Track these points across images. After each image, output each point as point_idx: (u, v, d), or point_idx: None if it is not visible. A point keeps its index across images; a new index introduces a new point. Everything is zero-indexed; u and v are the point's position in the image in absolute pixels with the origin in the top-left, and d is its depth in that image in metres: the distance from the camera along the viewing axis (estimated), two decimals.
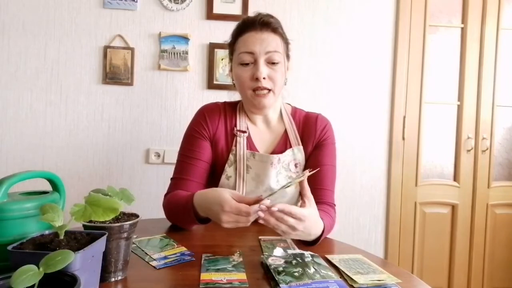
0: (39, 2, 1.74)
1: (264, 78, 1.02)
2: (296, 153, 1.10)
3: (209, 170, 1.10)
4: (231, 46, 1.11)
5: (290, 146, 1.11)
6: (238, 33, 1.08)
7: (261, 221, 0.76)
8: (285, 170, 1.09)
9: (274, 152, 1.10)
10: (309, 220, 0.79)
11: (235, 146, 1.09)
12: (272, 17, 1.07)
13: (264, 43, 1.03)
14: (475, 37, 2.00)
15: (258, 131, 1.13)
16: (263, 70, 1.02)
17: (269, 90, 1.04)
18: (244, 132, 1.10)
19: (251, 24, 1.05)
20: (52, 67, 1.76)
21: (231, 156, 1.09)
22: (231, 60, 1.12)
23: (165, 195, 1.07)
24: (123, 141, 1.81)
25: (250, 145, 1.10)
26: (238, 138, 1.09)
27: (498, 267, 2.04)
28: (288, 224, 0.76)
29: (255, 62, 1.03)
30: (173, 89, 1.82)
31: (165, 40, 1.79)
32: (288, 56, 1.11)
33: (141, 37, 1.80)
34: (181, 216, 0.95)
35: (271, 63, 1.04)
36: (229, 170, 1.08)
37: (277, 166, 1.08)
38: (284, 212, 0.75)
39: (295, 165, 1.10)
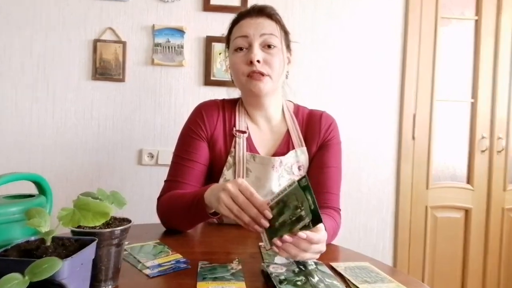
0: None
1: (258, 61, 1.02)
2: (299, 155, 1.10)
3: (206, 173, 1.10)
4: (228, 37, 1.12)
5: (293, 148, 1.11)
6: (233, 23, 1.10)
7: (275, 249, 0.74)
8: (288, 173, 1.09)
9: (275, 154, 1.10)
10: (326, 237, 0.80)
11: (234, 147, 1.09)
12: (268, 5, 1.09)
13: (259, 26, 1.04)
14: (490, 30, 2.00)
15: (258, 131, 1.13)
16: (258, 52, 1.02)
17: (266, 75, 1.04)
18: (243, 132, 1.10)
19: (246, 13, 1.08)
20: (38, 62, 1.76)
21: (229, 158, 1.08)
22: (227, 53, 1.13)
23: (158, 198, 1.08)
24: (114, 141, 1.81)
25: (250, 147, 1.10)
26: (237, 139, 1.09)
27: None
28: (316, 251, 0.77)
29: (250, 46, 1.04)
30: (168, 86, 1.83)
31: (159, 33, 1.80)
32: (288, 47, 1.11)
33: (133, 30, 1.80)
34: (186, 210, 0.93)
35: (267, 47, 1.04)
36: (227, 173, 1.08)
37: (279, 169, 1.08)
38: (310, 241, 0.74)
39: (299, 168, 1.10)
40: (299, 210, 0.72)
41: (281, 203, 0.74)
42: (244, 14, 1.08)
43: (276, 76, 1.05)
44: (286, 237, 0.72)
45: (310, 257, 0.78)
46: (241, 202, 0.76)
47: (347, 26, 1.90)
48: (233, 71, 1.09)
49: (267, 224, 0.75)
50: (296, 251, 0.74)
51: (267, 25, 1.05)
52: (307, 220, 0.72)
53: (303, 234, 0.72)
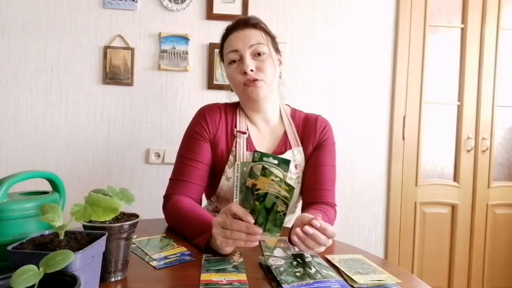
0: (39, 2, 1.74)
1: (252, 70, 1.04)
2: (296, 154, 1.10)
3: (209, 172, 1.10)
4: (221, 52, 1.14)
5: (290, 147, 1.11)
6: (223, 39, 1.12)
7: (295, 239, 0.75)
8: None
9: (273, 153, 1.10)
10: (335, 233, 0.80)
11: (235, 147, 1.09)
12: (252, 16, 1.12)
13: (246, 38, 1.05)
14: (475, 37, 1.99)
15: (258, 132, 1.13)
16: (250, 63, 1.04)
17: (260, 80, 1.05)
18: (244, 133, 1.10)
19: (232, 27, 1.10)
20: (52, 67, 1.76)
21: (231, 157, 1.08)
22: (222, 66, 1.15)
23: (164, 196, 1.07)
24: (123, 141, 1.81)
25: (250, 146, 1.10)
26: (238, 139, 1.09)
27: (498, 267, 2.04)
28: (326, 244, 0.78)
29: (241, 58, 1.05)
30: (173, 89, 1.82)
31: (165, 40, 1.79)
32: (277, 51, 1.13)
33: (141, 37, 1.80)
34: (187, 234, 0.92)
35: (257, 55, 1.05)
36: (229, 171, 1.08)
37: None
38: (319, 229, 0.74)
39: (295, 166, 1.10)
40: (273, 192, 0.71)
41: (261, 199, 0.72)
42: (231, 28, 1.10)
43: (270, 79, 1.07)
44: (308, 229, 0.73)
45: (318, 249, 0.78)
46: (228, 224, 0.75)
47: (342, 33, 1.90)
48: (230, 82, 1.11)
49: (260, 233, 0.73)
50: (313, 244, 0.76)
51: (253, 35, 1.06)
52: (283, 194, 0.70)
53: (317, 223, 0.74)
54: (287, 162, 0.72)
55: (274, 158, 0.71)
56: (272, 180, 0.69)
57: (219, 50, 1.15)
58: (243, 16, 1.11)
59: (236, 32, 1.08)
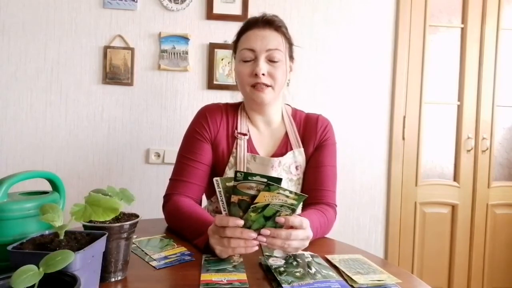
0: (39, 2, 1.74)
1: (263, 74, 1.02)
2: (296, 156, 1.10)
3: (209, 172, 1.10)
4: (235, 44, 1.11)
5: (291, 149, 1.10)
6: (241, 32, 1.08)
7: (264, 244, 0.74)
8: (286, 172, 1.09)
9: (274, 154, 1.10)
10: (307, 222, 0.79)
11: (236, 148, 1.08)
12: (276, 17, 1.08)
13: (265, 40, 1.02)
14: (475, 37, 1.99)
15: (258, 133, 1.13)
16: (263, 66, 1.02)
17: (269, 86, 1.04)
18: (245, 134, 1.10)
19: (254, 23, 1.06)
20: (52, 67, 1.76)
21: (231, 159, 1.08)
22: (234, 58, 1.12)
23: (164, 196, 1.07)
24: (123, 141, 1.81)
25: (251, 148, 1.10)
26: (238, 140, 1.09)
27: (498, 267, 2.04)
28: (302, 238, 0.76)
29: (256, 59, 1.03)
30: (173, 89, 1.82)
31: (165, 40, 1.79)
32: (291, 57, 1.11)
33: (141, 37, 1.80)
34: (186, 235, 0.92)
35: (271, 61, 1.03)
36: (229, 172, 1.08)
37: (277, 169, 1.07)
38: (288, 223, 0.73)
39: (296, 168, 1.10)
40: (277, 203, 0.70)
41: (259, 210, 0.71)
42: (252, 23, 1.06)
43: (278, 87, 1.05)
44: (265, 230, 0.72)
45: (298, 245, 0.77)
46: (222, 233, 0.74)
47: (342, 33, 1.90)
48: (238, 80, 1.09)
49: (256, 236, 0.73)
50: (281, 241, 0.74)
51: (272, 39, 1.03)
52: (290, 201, 0.69)
53: (281, 218, 0.72)
54: (278, 180, 0.68)
55: (262, 176, 0.67)
56: (278, 193, 0.68)
57: (234, 41, 1.11)
58: (268, 14, 1.07)
59: (257, 30, 1.04)
